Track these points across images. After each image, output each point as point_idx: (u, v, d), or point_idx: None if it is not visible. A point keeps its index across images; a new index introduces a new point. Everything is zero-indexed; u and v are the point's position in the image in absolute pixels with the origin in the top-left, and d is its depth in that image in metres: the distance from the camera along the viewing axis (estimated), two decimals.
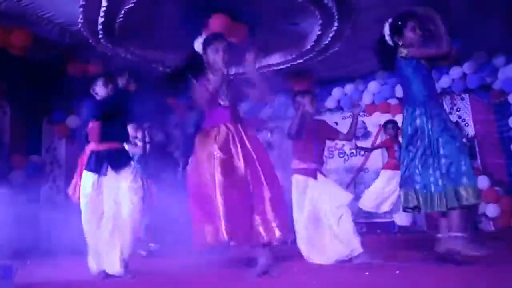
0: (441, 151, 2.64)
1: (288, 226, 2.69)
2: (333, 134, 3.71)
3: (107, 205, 3.08)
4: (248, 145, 2.69)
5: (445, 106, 6.44)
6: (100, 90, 3.24)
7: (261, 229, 2.56)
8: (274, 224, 2.56)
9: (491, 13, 4.81)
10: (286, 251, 4.33)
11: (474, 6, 4.62)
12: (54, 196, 6.28)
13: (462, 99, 6.44)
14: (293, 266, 3.18)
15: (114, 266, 2.99)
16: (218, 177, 2.54)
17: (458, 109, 6.45)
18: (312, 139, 3.51)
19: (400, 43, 2.92)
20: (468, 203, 2.55)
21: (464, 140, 2.58)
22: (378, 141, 6.77)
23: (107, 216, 3.07)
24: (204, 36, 2.88)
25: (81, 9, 4.03)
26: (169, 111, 7.35)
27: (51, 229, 5.99)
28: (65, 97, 6.41)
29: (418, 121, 2.75)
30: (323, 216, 3.35)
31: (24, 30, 4.59)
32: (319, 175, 3.46)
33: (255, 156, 2.66)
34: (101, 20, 4.20)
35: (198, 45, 2.87)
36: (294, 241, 4.82)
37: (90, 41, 4.69)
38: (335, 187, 3.50)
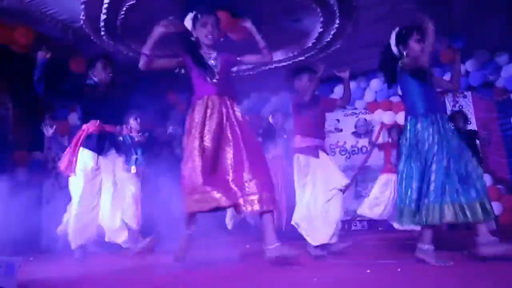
0: (433, 167, 2.68)
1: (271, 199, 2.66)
2: (331, 104, 3.77)
3: (105, 185, 3.18)
4: (234, 120, 2.75)
5: (447, 104, 6.44)
6: (99, 73, 3.33)
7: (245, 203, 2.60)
8: (254, 197, 2.59)
9: (493, 11, 4.80)
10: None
11: (476, 4, 4.61)
12: (56, 193, 6.29)
13: (465, 96, 6.43)
14: (293, 262, 3.19)
15: (120, 237, 3.20)
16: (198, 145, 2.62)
17: (461, 107, 6.43)
18: (312, 113, 3.50)
19: (405, 54, 2.93)
20: (444, 221, 2.61)
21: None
22: (380, 140, 6.77)
23: (105, 194, 3.19)
24: (193, 13, 2.92)
25: (82, 6, 4.04)
26: (170, 107, 7.36)
27: (53, 226, 6.02)
28: (67, 94, 6.45)
29: (419, 134, 2.77)
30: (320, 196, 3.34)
31: (26, 27, 4.59)
32: (321, 153, 3.43)
33: (239, 132, 2.72)
34: (103, 17, 4.20)
35: (187, 22, 2.95)
36: (293, 237, 4.81)
37: (92, 38, 4.69)
38: (333, 169, 3.46)
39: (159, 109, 6.55)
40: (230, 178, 2.62)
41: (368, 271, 2.55)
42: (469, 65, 5.94)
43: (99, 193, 3.20)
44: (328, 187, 3.33)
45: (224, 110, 2.76)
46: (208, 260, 3.68)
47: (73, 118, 6.37)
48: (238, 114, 2.82)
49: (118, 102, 3.34)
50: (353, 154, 7.27)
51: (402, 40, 2.95)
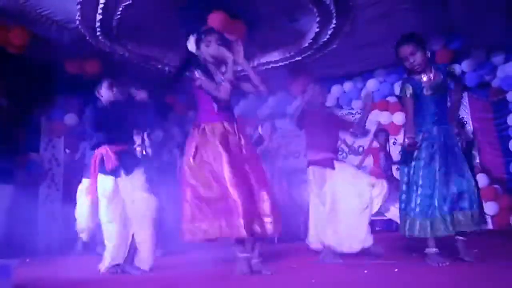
0: (420, 182, 2.73)
1: (280, 222, 2.69)
2: (346, 125, 3.75)
3: (127, 205, 3.17)
4: (244, 145, 2.76)
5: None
6: (104, 92, 3.29)
7: (256, 225, 2.60)
8: (268, 220, 2.62)
9: (490, 10, 4.81)
10: (284, 249, 4.34)
11: (472, 4, 4.62)
12: (53, 194, 6.27)
13: (461, 97, 6.44)
14: (291, 263, 3.19)
15: (145, 263, 3.12)
16: (227, 174, 2.58)
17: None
18: (325, 128, 3.51)
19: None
20: (434, 235, 2.67)
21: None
22: (375, 143, 6.77)
23: (126, 215, 3.17)
24: (194, 35, 2.83)
25: (78, 6, 4.02)
26: (168, 109, 7.34)
27: (50, 227, 6.00)
28: (63, 95, 6.42)
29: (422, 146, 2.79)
30: (342, 206, 3.35)
31: (22, 28, 4.57)
32: (336, 164, 3.45)
33: (249, 156, 2.76)
34: (98, 17, 4.18)
35: (191, 45, 2.85)
36: (291, 238, 4.81)
37: (88, 38, 4.67)
38: (355, 176, 3.48)
39: (158, 110, 6.54)
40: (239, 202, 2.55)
41: (365, 271, 2.56)
42: (465, 65, 5.94)
43: (122, 215, 3.19)
44: (357, 196, 3.34)
45: (229, 136, 2.73)
46: (206, 260, 3.67)
47: (70, 119, 6.34)
48: (242, 139, 2.78)
49: (125, 120, 3.30)
50: (349, 154, 7.26)
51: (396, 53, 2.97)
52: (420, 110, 2.82)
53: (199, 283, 2.60)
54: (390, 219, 6.19)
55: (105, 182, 3.16)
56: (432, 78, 2.82)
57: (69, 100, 6.40)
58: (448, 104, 2.95)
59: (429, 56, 2.86)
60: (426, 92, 2.81)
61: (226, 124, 2.75)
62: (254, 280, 2.53)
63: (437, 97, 2.82)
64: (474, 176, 2.72)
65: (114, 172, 3.14)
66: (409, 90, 2.83)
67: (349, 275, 2.59)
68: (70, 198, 5.88)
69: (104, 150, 3.15)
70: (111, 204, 3.15)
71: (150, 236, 3.14)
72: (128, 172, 3.17)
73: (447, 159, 2.73)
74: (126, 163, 3.17)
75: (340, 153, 7.15)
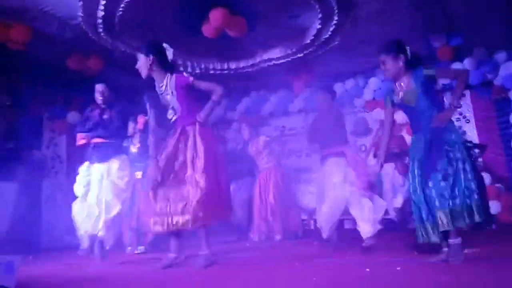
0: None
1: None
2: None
3: (93, 185, 3.81)
4: (200, 146, 3.09)
5: (446, 103, 6.44)
6: (97, 95, 3.87)
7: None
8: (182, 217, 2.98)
9: (492, 8, 4.79)
10: (286, 247, 4.34)
11: (474, 2, 4.60)
12: (55, 191, 6.28)
13: (463, 95, 6.42)
14: (294, 262, 3.18)
15: (97, 228, 3.65)
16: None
17: (459, 106, 6.42)
18: (331, 126, 3.94)
19: None
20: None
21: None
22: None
23: (91, 193, 3.80)
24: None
25: (81, 3, 4.02)
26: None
27: (53, 224, 6.01)
28: (66, 92, 6.43)
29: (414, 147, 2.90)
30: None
31: (24, 25, 4.56)
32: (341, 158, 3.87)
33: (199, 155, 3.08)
34: (100, 14, 4.17)
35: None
36: (293, 237, 4.81)
37: (90, 35, 4.67)
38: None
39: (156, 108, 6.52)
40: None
41: (368, 269, 2.55)
42: (467, 63, 5.92)
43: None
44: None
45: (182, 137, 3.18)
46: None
47: (72, 116, 6.35)
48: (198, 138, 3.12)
49: (112, 123, 3.84)
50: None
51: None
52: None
53: (198, 282, 2.60)
54: (391, 219, 6.21)
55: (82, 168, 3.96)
56: (404, 86, 2.89)
57: (72, 97, 6.42)
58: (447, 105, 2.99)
59: (403, 64, 2.87)
60: (397, 100, 2.92)
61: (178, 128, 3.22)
62: (255, 278, 2.53)
63: (408, 104, 2.88)
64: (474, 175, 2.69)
65: (89, 159, 3.90)
66: (389, 99, 2.99)
67: (351, 273, 2.59)
68: (72, 195, 5.91)
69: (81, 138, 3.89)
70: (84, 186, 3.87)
71: (111, 222, 3.68)
72: (101, 160, 3.80)
73: (424, 163, 2.78)
74: (100, 152, 3.81)
75: None
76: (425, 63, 2.98)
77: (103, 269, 3.38)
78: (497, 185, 5.84)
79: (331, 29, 4.66)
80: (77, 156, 6.34)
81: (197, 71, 5.76)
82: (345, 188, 3.75)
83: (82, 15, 4.24)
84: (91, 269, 3.40)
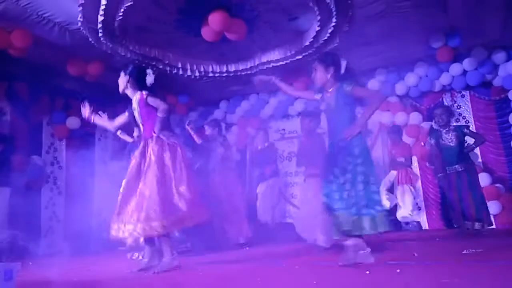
0: None
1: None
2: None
3: None
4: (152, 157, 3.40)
5: (445, 103, 6.45)
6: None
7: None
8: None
9: (490, 8, 4.80)
10: (287, 250, 4.34)
11: (473, 2, 4.60)
12: (55, 197, 6.27)
13: (463, 96, 6.42)
14: (294, 264, 3.18)
15: None
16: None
17: (459, 106, 6.42)
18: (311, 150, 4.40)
19: None
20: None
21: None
22: (379, 141, 6.76)
23: None
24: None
25: (80, 8, 4.02)
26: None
27: (52, 230, 6.00)
28: (65, 97, 6.43)
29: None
30: None
31: (23, 31, 4.57)
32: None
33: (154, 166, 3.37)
34: (100, 18, 4.17)
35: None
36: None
37: (90, 40, 4.68)
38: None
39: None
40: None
41: (368, 272, 2.55)
42: (466, 64, 5.92)
43: None
44: None
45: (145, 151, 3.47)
46: (205, 262, 3.67)
47: (71, 122, 6.34)
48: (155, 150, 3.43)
49: None
50: None
51: None
52: None
53: (199, 284, 2.59)
54: (395, 218, 6.23)
55: None
56: (329, 96, 3.17)
57: (71, 102, 6.41)
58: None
59: (331, 76, 3.15)
60: (323, 107, 3.26)
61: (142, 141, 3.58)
62: (258, 279, 2.53)
63: (328, 113, 3.20)
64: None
65: None
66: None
67: (351, 276, 2.58)
68: (72, 201, 5.90)
69: None
70: None
71: None
72: None
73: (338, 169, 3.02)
74: None
75: None
76: (356, 78, 3.22)
77: (106, 271, 3.37)
78: (497, 185, 5.84)
79: (329, 31, 4.66)
80: (76, 162, 6.39)
81: (197, 74, 5.76)
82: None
83: (81, 20, 4.24)
84: (91, 272, 3.39)
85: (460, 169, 4.94)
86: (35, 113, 6.17)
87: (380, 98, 3.18)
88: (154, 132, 3.46)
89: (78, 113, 6.09)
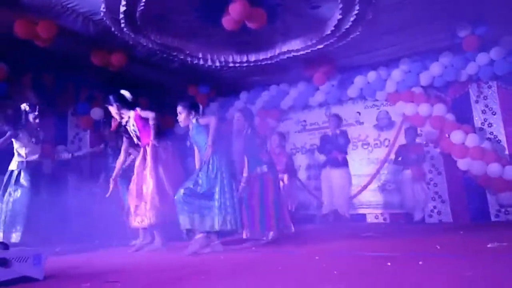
0: None
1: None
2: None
3: None
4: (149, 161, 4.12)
5: (471, 95, 6.29)
6: None
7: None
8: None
9: None
10: (306, 237, 4.33)
11: None
12: (80, 186, 6.40)
13: (489, 87, 6.24)
14: (314, 253, 3.17)
15: None
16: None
17: (485, 98, 6.25)
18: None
19: None
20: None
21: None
22: (402, 133, 6.66)
23: None
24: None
25: None
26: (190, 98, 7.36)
27: (79, 218, 6.13)
28: (89, 88, 6.54)
29: None
30: None
31: (48, 22, 4.65)
32: None
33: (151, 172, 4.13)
34: (122, 8, 4.22)
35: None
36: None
37: (112, 30, 4.74)
38: None
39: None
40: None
41: (389, 263, 2.52)
42: (494, 53, 5.74)
43: None
44: None
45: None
46: (227, 249, 3.70)
47: (95, 113, 6.46)
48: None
49: None
50: (375, 148, 7.16)
51: None
52: None
53: (199, 279, 2.61)
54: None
55: None
56: (191, 129, 4.06)
57: (95, 93, 6.52)
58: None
59: (192, 116, 4.06)
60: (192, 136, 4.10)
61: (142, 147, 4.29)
62: (274, 266, 2.54)
63: (195, 142, 4.10)
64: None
65: None
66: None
67: (372, 266, 2.56)
68: (94, 190, 6.01)
69: None
70: None
71: None
72: None
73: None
74: None
75: (365, 146, 7.16)
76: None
77: (127, 260, 3.44)
78: None
79: (351, 19, 4.58)
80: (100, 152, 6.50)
81: (217, 64, 5.76)
82: None
83: (104, 10, 4.29)
84: (116, 260, 3.46)
85: None
86: (60, 104, 6.31)
87: (215, 122, 3.87)
88: (151, 140, 4.07)
89: (102, 104, 6.28)
